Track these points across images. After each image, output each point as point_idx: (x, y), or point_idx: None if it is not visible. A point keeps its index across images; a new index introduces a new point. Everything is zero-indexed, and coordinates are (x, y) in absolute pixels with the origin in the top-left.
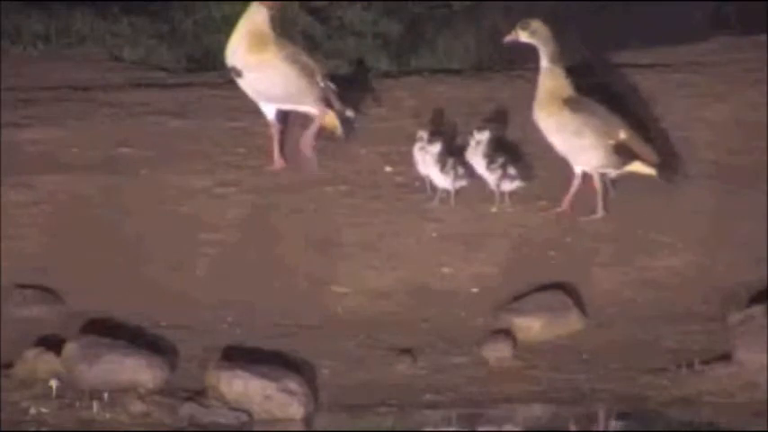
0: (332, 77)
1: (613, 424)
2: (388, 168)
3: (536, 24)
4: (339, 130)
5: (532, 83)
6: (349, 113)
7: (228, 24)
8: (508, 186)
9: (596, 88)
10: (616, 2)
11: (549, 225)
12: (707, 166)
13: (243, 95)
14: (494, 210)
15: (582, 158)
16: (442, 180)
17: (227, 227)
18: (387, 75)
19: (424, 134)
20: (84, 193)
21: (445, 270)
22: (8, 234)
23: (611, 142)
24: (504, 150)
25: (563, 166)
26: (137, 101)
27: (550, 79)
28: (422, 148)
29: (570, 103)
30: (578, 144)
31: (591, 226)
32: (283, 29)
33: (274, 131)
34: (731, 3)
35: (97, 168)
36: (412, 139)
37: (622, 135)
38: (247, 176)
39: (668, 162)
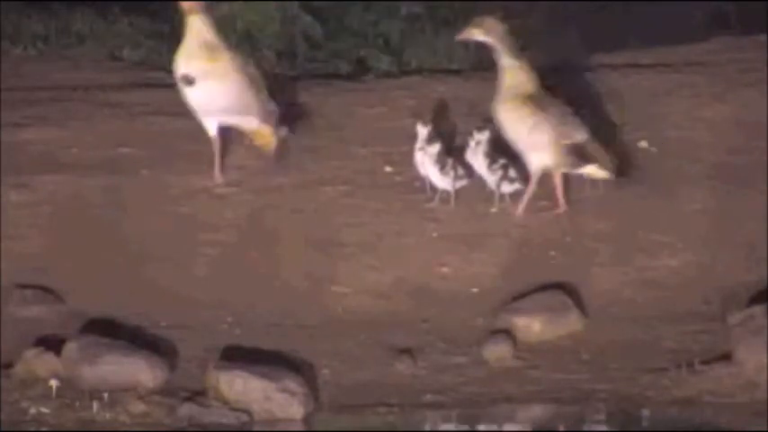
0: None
1: (613, 424)
2: (388, 168)
3: (490, 22)
4: (272, 147)
5: None
6: (283, 133)
7: (228, 24)
8: (508, 188)
9: (595, 88)
10: (616, 2)
11: (549, 225)
12: (707, 166)
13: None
14: (494, 210)
15: (536, 155)
16: (442, 180)
17: (227, 227)
18: (387, 75)
19: (423, 130)
20: (84, 193)
21: (445, 270)
22: (8, 234)
23: (567, 143)
24: (504, 151)
25: None
26: (137, 101)
27: (512, 76)
28: (421, 149)
29: (531, 100)
30: (533, 141)
31: (591, 226)
32: (283, 29)
33: (216, 147)
34: (731, 3)
35: (97, 168)
36: (412, 139)
37: (579, 137)
38: (247, 176)
39: (622, 168)
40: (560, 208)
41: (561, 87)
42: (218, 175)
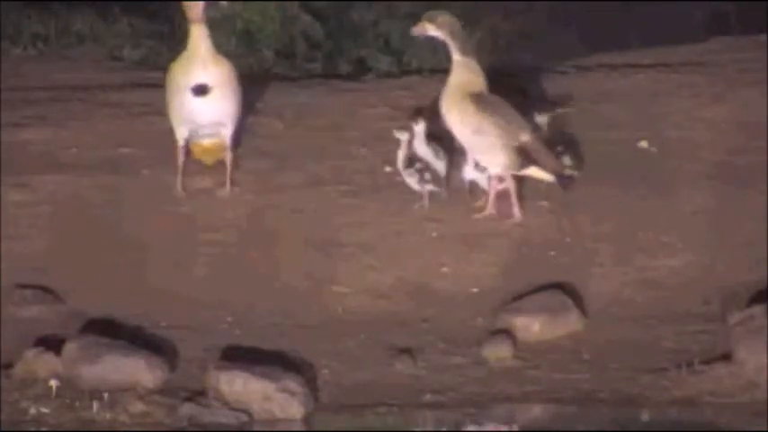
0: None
1: (613, 424)
2: (388, 168)
3: (443, 18)
4: (216, 159)
5: (530, 84)
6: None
7: (228, 24)
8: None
9: (595, 88)
10: (616, 2)
11: (549, 225)
12: (707, 166)
13: (242, 95)
14: (492, 210)
15: (484, 157)
16: (409, 181)
17: (227, 227)
18: (387, 75)
19: (417, 127)
20: (84, 193)
21: (445, 270)
22: (8, 234)
23: (513, 144)
24: None
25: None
26: (137, 101)
27: (461, 73)
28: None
29: (476, 99)
30: (480, 141)
31: (591, 226)
32: (283, 29)
33: (181, 158)
34: (731, 3)
35: (97, 168)
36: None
37: (524, 138)
38: (247, 176)
39: (566, 171)
40: (515, 217)
41: (559, 87)
42: (180, 189)
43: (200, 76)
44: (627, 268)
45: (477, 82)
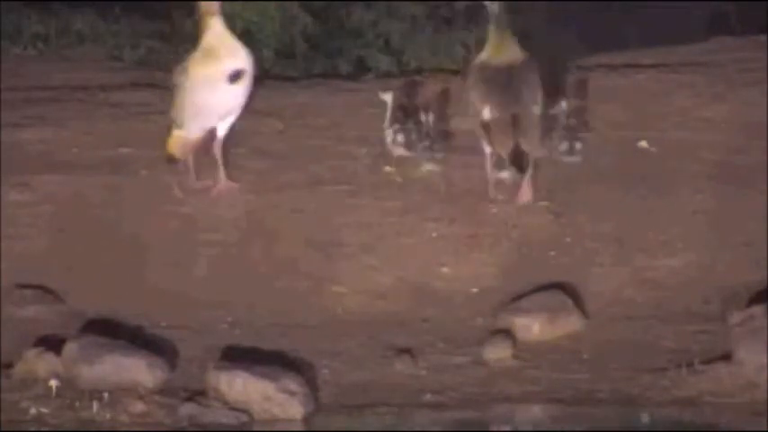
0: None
1: (613, 424)
2: (387, 168)
3: None
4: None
5: None
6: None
7: (228, 24)
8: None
9: (595, 88)
10: (616, 2)
11: (549, 225)
12: (707, 166)
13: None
14: (494, 210)
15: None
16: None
17: (227, 227)
18: (387, 75)
19: (387, 97)
20: (85, 193)
21: (445, 270)
22: (8, 234)
23: (479, 118)
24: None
25: (565, 166)
26: (137, 101)
27: (491, 42)
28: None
29: (479, 69)
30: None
31: (591, 226)
32: (283, 29)
33: (191, 157)
34: (731, 3)
35: (97, 168)
36: None
37: (484, 116)
38: (247, 176)
39: (517, 158)
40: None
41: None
42: (193, 183)
43: (234, 63)
44: (627, 268)
45: (503, 54)
